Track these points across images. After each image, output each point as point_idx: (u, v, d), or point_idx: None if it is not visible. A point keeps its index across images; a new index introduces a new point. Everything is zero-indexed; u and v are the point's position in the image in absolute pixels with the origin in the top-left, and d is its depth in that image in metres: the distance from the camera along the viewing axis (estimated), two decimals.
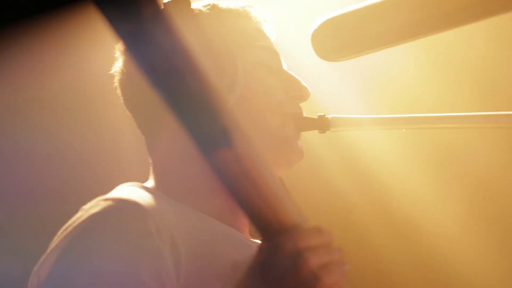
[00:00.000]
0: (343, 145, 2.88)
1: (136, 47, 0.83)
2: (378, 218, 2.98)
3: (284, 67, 1.60)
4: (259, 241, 1.15)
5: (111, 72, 1.59)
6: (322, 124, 1.58)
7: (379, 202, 2.96)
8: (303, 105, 1.60)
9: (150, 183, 1.54)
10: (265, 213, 1.04)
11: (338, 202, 2.97)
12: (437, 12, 1.15)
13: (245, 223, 1.54)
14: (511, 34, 2.78)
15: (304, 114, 1.59)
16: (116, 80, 1.58)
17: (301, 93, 1.57)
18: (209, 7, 1.56)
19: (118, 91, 1.58)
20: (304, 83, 1.58)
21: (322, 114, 1.59)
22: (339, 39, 1.24)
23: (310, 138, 1.64)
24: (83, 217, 1.31)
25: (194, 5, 1.53)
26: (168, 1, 1.50)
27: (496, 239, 2.89)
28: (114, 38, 0.82)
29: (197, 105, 0.89)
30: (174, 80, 0.86)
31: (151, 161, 1.57)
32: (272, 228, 1.07)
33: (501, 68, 2.84)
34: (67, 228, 1.33)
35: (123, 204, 1.33)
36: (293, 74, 1.59)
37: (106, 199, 1.34)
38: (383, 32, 1.21)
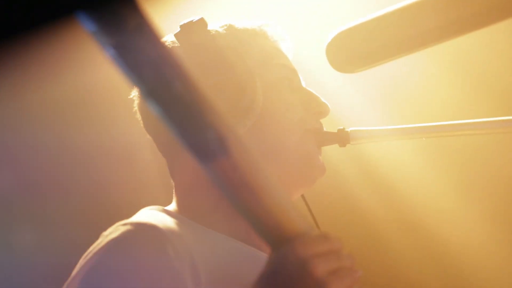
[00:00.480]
0: (362, 156, 2.88)
1: (123, 59, 0.83)
2: (399, 229, 2.97)
3: (303, 84, 1.61)
4: None
5: (130, 97, 1.60)
6: (342, 137, 1.59)
7: (400, 212, 2.95)
8: (322, 120, 1.60)
9: (172, 206, 1.55)
10: (268, 222, 1.03)
11: (359, 213, 2.96)
12: (452, 17, 1.16)
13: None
14: None
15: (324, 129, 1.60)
16: (135, 104, 1.59)
17: (321, 109, 1.58)
18: (225, 27, 1.57)
19: (138, 116, 1.59)
20: (323, 99, 1.59)
21: (341, 127, 1.59)
22: (353, 50, 1.24)
23: (329, 152, 1.65)
24: (103, 243, 1.33)
25: (210, 26, 1.54)
26: (185, 23, 1.52)
27: None
28: (102, 52, 0.82)
29: (188, 114, 0.88)
30: (162, 89, 0.85)
31: (173, 183, 1.58)
32: (278, 237, 1.06)
33: None
34: (87, 254, 1.35)
35: (141, 228, 1.34)
36: (312, 90, 1.60)
37: (125, 224, 1.35)
38: (397, 41, 1.21)
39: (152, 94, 0.86)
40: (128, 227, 1.34)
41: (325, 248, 1.11)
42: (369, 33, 1.21)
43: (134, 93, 1.59)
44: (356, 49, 1.22)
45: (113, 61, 0.83)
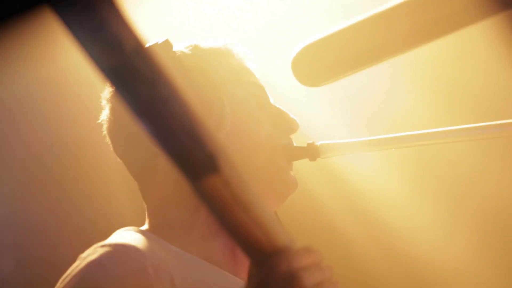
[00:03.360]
0: (333, 169, 2.88)
1: (120, 81, 0.84)
2: (371, 243, 2.97)
3: (271, 100, 1.61)
4: None
5: (99, 121, 1.59)
6: (312, 152, 1.59)
7: (372, 226, 2.96)
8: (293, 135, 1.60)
9: (148, 226, 1.54)
10: (257, 236, 1.04)
11: (331, 227, 2.96)
12: (414, 26, 1.16)
13: (243, 267, 1.53)
14: (499, 54, 2.79)
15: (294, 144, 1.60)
16: (105, 128, 1.58)
17: (289, 125, 1.58)
18: (191, 47, 1.57)
19: (107, 139, 1.58)
20: (292, 115, 1.59)
21: (311, 142, 1.59)
22: (318, 64, 1.24)
23: (301, 166, 1.64)
24: (81, 265, 1.32)
25: (176, 47, 1.54)
26: (150, 45, 1.51)
27: (504, 268, 2.88)
28: (99, 75, 0.83)
29: (183, 133, 0.90)
30: (158, 108, 0.87)
31: (146, 205, 1.57)
32: (264, 251, 1.08)
33: (492, 87, 2.85)
34: (65, 277, 1.33)
35: (120, 249, 1.34)
36: (280, 107, 1.60)
37: (103, 246, 1.35)
38: (361, 53, 1.21)
39: (147, 112, 0.88)
40: (106, 249, 1.33)
41: (308, 261, 1.12)
42: (334, 45, 1.21)
43: (103, 118, 1.58)
44: (321, 62, 1.22)
45: (108, 81, 0.84)
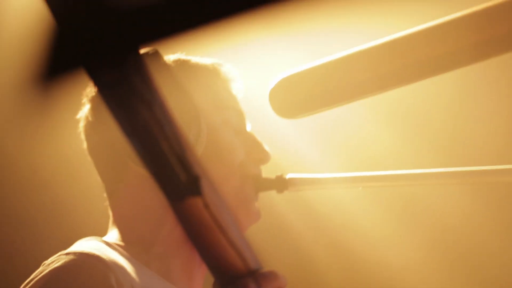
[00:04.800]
0: (303, 198, 2.89)
1: (117, 98, 0.85)
2: (340, 271, 2.98)
3: (249, 128, 1.61)
4: None
5: (77, 116, 1.58)
6: (279, 184, 1.59)
7: (341, 254, 2.96)
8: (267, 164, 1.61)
9: (110, 237, 1.53)
10: (231, 258, 1.06)
11: (299, 254, 2.96)
12: (394, 69, 1.17)
13: (199, 286, 1.53)
14: (469, 90, 2.83)
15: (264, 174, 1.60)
16: (81, 125, 1.57)
17: (261, 156, 1.59)
18: (179, 62, 1.57)
19: (82, 136, 1.57)
20: (266, 147, 1.59)
21: (280, 174, 1.59)
22: (296, 97, 1.24)
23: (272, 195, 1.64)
24: (45, 272, 1.31)
25: (164, 59, 1.53)
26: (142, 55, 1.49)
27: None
28: (95, 87, 0.83)
29: (172, 154, 0.91)
30: (153, 130, 0.88)
31: (110, 213, 1.56)
32: (235, 272, 1.08)
33: (460, 124, 2.89)
34: (28, 283, 1.32)
35: (84, 258, 1.33)
36: (256, 136, 1.60)
37: (68, 253, 1.34)
38: (340, 89, 1.21)
39: (140, 133, 0.89)
40: (71, 257, 1.33)
41: (274, 285, 1.12)
42: (312, 80, 1.21)
43: (81, 115, 1.57)
44: (299, 96, 1.22)
45: (103, 98, 0.82)
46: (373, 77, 1.17)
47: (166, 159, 0.91)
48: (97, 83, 0.82)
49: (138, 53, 0.84)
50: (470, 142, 2.87)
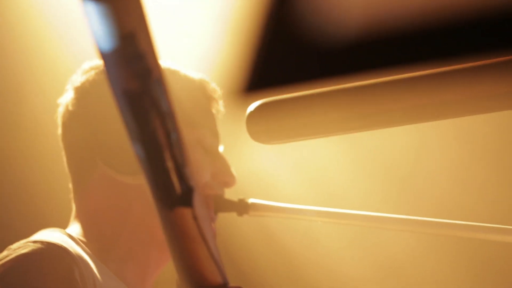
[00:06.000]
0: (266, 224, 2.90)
1: (134, 107, 0.86)
2: None
3: (221, 150, 1.62)
4: None
5: (58, 101, 1.57)
6: (241, 207, 1.61)
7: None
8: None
9: (72, 230, 1.52)
10: (207, 269, 1.07)
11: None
12: (372, 111, 1.17)
13: None
14: (436, 136, 2.87)
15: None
16: (59, 111, 1.56)
17: (227, 180, 1.59)
18: (169, 71, 1.56)
19: (59, 121, 1.56)
20: (233, 171, 1.60)
21: (242, 198, 1.60)
22: (273, 123, 1.25)
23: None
24: (11, 256, 1.32)
25: None
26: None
27: None
28: (113, 96, 0.83)
29: (172, 162, 0.92)
30: (164, 138, 0.90)
31: (74, 206, 1.56)
32: (208, 283, 1.09)
33: (428, 171, 2.93)
34: None
35: (51, 248, 1.35)
36: (226, 159, 1.60)
37: (35, 241, 1.35)
38: (317, 122, 1.22)
39: (150, 143, 0.90)
40: (38, 245, 1.34)
41: None
42: (291, 109, 1.21)
43: (62, 101, 1.56)
44: (276, 123, 1.22)
45: (120, 104, 0.84)
46: (356, 116, 1.18)
47: (166, 167, 0.92)
48: (115, 85, 0.84)
49: (160, 64, 0.86)
50: (427, 193, 2.91)
